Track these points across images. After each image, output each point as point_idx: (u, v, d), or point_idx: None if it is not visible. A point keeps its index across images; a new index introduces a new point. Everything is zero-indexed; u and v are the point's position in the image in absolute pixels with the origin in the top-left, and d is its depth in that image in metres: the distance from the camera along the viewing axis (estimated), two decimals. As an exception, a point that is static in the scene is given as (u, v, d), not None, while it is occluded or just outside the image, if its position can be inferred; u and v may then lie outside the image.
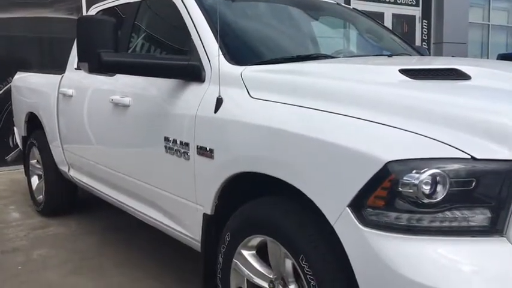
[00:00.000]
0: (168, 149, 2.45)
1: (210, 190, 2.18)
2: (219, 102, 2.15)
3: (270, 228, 1.88)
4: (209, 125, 2.19)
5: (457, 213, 1.48)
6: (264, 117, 1.93)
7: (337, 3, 3.33)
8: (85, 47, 2.27)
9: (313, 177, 1.69)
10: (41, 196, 4.37)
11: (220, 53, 2.31)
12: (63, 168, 3.95)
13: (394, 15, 8.42)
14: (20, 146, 4.96)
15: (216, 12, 2.39)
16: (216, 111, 2.15)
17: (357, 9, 3.38)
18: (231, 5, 2.71)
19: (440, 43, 8.87)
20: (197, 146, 2.24)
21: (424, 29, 8.91)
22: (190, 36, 2.50)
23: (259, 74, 2.18)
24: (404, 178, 1.47)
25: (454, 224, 1.49)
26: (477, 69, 1.98)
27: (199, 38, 2.44)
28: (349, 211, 1.57)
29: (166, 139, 2.45)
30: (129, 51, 3.04)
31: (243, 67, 2.24)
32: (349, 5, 7.82)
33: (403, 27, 8.70)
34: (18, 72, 4.96)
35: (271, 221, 1.87)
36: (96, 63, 2.24)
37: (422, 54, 3.25)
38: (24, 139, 4.70)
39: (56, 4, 6.60)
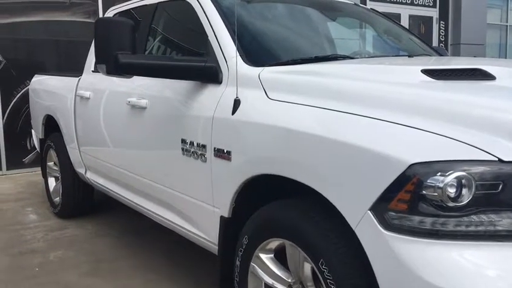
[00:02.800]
0: (185, 151, 2.44)
1: (228, 192, 2.16)
2: (236, 103, 2.13)
3: (289, 231, 1.85)
4: (226, 126, 2.17)
5: (483, 217, 1.44)
6: (283, 118, 1.91)
7: (355, 4, 3.29)
8: (103, 49, 2.27)
9: (333, 180, 1.66)
10: (58, 198, 4.39)
11: (238, 54, 2.28)
12: (80, 170, 3.97)
13: (410, 16, 8.31)
14: (38, 148, 5.00)
15: (233, 13, 2.38)
16: (233, 112, 2.13)
17: (375, 10, 3.34)
18: (247, 6, 2.69)
19: (458, 44, 8.74)
20: (214, 148, 2.22)
21: (441, 30, 8.78)
22: (207, 37, 2.48)
23: (277, 75, 2.15)
24: (429, 181, 1.43)
25: (480, 228, 1.44)
26: (502, 69, 1.93)
27: (216, 39, 2.42)
28: (371, 215, 1.53)
29: (183, 141, 2.44)
30: (146, 53, 3.03)
31: (261, 68, 2.21)
32: (365, 6, 7.76)
33: (420, 28, 8.59)
34: (35, 75, 5.00)
35: (290, 224, 1.84)
36: (114, 65, 2.24)
37: (441, 55, 3.20)
38: (42, 141, 4.73)
39: (74, 8, 6.65)
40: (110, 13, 3.75)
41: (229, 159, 2.13)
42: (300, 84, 2.03)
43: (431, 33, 8.73)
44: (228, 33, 2.40)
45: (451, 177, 1.41)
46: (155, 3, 3.08)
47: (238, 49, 2.31)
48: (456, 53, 8.84)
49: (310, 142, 1.75)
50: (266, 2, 2.79)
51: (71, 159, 4.08)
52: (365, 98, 1.75)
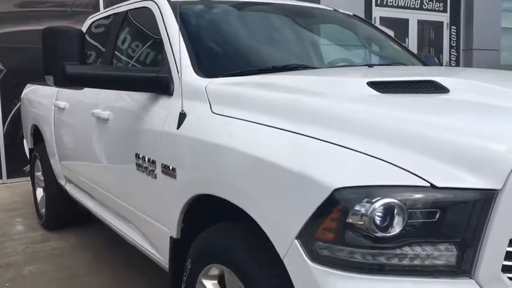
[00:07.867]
0: (138, 166, 2.31)
1: (174, 212, 2.02)
2: (181, 117, 2.00)
3: (225, 257, 1.70)
4: (172, 141, 2.04)
5: (418, 250, 1.28)
6: (218, 134, 1.77)
7: (334, 10, 3.12)
8: (50, 60, 2.18)
9: (263, 204, 1.51)
10: (44, 209, 4.32)
11: (190, 64, 2.16)
12: (61, 181, 3.89)
13: (419, 21, 8.04)
14: (28, 158, 4.96)
15: (193, 23, 2.26)
16: (178, 127, 2.00)
17: (357, 16, 3.16)
18: (207, 14, 2.55)
19: (470, 50, 8.42)
20: (162, 164, 2.09)
21: (452, 36, 8.48)
22: (164, 47, 2.36)
23: (222, 86, 2.01)
24: (355, 208, 1.27)
25: (416, 262, 1.28)
26: (458, 81, 1.74)
27: (171, 48, 2.29)
28: (298, 244, 1.38)
29: (137, 156, 2.32)
30: (113, 63, 2.93)
31: (210, 79, 2.07)
32: (371, 11, 7.50)
33: (430, 34, 8.30)
34: (27, 85, 4.96)
35: (225, 250, 1.69)
36: (61, 76, 2.14)
37: (426, 64, 3.00)
38: (31, 151, 4.68)
39: (75, 16, 6.63)
40: (88, 22, 3.67)
41: (174, 176, 2.00)
42: (238, 96, 1.88)
43: (442, 38, 8.43)
44: (184, 42, 2.27)
45: (378, 204, 1.25)
46: (124, 11, 2.98)
47: (191, 59, 2.18)
48: (468, 59, 8.52)
49: (239, 160, 1.60)
50: (228, 9, 2.65)
51: (54, 170, 4.01)
52: (297, 113, 1.59)
